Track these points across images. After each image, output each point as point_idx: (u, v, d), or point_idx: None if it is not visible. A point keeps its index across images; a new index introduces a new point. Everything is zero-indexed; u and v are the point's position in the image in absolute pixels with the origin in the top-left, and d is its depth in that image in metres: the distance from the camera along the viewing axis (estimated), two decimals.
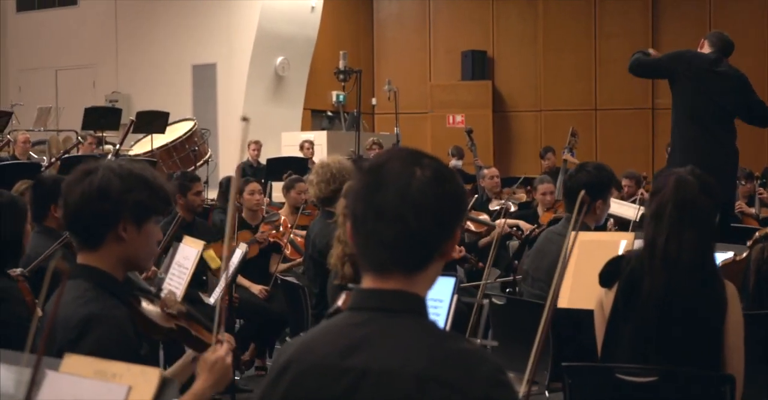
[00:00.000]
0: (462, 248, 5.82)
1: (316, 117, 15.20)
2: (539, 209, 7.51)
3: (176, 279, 4.36)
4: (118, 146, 8.83)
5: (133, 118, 9.83)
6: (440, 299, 2.82)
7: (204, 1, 13.75)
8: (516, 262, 5.64)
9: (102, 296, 2.19)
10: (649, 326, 2.73)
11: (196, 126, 11.50)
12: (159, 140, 11.05)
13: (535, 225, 6.63)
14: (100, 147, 10.64)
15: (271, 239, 6.50)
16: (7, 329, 3.04)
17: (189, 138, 11.28)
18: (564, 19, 15.24)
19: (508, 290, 5.84)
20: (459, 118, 15.09)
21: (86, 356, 1.70)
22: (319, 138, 12.70)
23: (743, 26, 14.25)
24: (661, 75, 6.38)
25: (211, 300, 5.04)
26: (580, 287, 3.46)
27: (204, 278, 5.96)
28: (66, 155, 8.79)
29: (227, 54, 13.76)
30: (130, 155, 10.43)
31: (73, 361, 1.69)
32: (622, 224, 6.07)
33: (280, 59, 13.82)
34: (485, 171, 9.35)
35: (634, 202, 7.10)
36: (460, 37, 15.65)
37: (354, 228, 1.65)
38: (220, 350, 2.26)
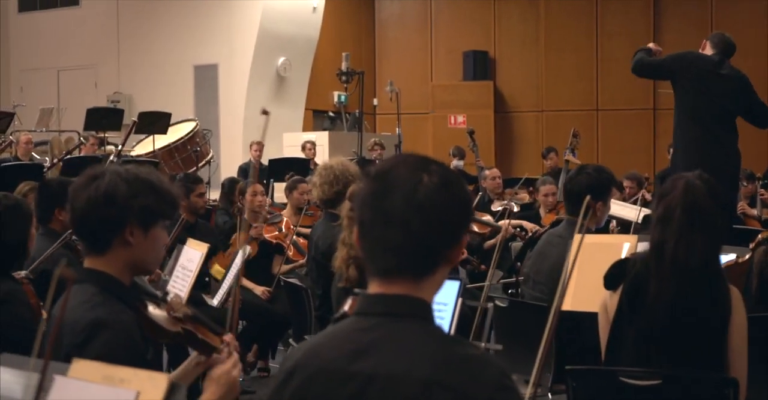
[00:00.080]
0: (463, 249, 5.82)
1: (317, 117, 15.20)
2: (541, 210, 7.51)
3: (180, 282, 4.37)
4: (120, 147, 8.85)
5: (135, 118, 9.85)
6: (445, 302, 2.83)
7: (205, 2, 13.76)
8: (519, 263, 5.65)
9: (109, 300, 2.20)
10: (654, 329, 2.74)
11: (197, 127, 11.51)
12: (161, 141, 11.06)
13: (539, 226, 6.64)
14: (102, 148, 10.65)
15: (274, 241, 6.51)
16: (11, 331, 3.05)
17: (191, 139, 11.29)
18: (565, 19, 15.24)
19: (510, 291, 5.85)
20: (460, 118, 15.10)
21: (94, 361, 1.71)
22: (321, 139, 12.70)
23: (744, 26, 14.25)
24: (663, 76, 6.39)
25: (215, 302, 5.04)
26: (582, 289, 3.46)
27: (206, 279, 5.98)
28: (68, 156, 8.80)
29: (229, 54, 13.77)
30: (132, 156, 10.44)
31: (80, 366, 1.70)
32: (623, 226, 6.08)
33: (281, 60, 13.82)
34: (487, 172, 9.35)
35: (635, 203, 7.09)
36: (461, 37, 15.65)
37: (361, 233, 1.66)
38: (228, 363, 2.27)
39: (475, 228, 6.87)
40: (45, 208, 4.10)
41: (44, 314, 3.44)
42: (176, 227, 5.24)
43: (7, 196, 3.37)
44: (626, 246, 3.62)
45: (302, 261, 6.43)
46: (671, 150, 9.20)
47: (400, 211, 1.60)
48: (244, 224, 6.17)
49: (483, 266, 6.35)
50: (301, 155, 11.48)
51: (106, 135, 10.95)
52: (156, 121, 10.90)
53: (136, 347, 2.19)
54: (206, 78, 13.98)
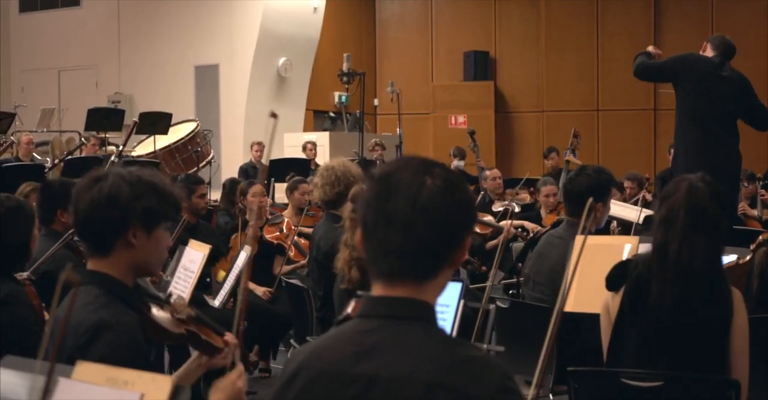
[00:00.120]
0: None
1: (318, 118, 15.21)
2: (542, 211, 7.52)
3: (182, 283, 4.37)
4: (121, 147, 8.86)
5: (136, 119, 9.85)
6: (447, 304, 2.84)
7: (206, 2, 13.77)
8: (520, 264, 5.65)
9: (112, 302, 2.21)
10: (656, 330, 2.75)
11: (198, 127, 11.51)
12: (162, 141, 11.06)
13: (540, 227, 6.65)
14: (103, 148, 10.66)
15: (275, 241, 6.51)
16: (13, 332, 3.06)
17: (192, 139, 11.29)
18: (566, 19, 15.24)
19: (511, 291, 5.85)
20: (461, 118, 15.11)
21: (98, 364, 1.71)
22: (322, 139, 12.71)
23: (745, 26, 14.27)
24: (665, 78, 6.40)
25: (216, 303, 5.05)
26: (583, 290, 3.47)
27: (207, 280, 5.98)
28: (69, 157, 8.80)
29: (229, 55, 13.77)
30: (133, 156, 10.44)
31: (84, 368, 1.70)
32: (624, 226, 6.08)
33: (282, 60, 13.83)
34: (487, 172, 9.35)
35: (635, 203, 7.10)
36: (462, 37, 15.66)
37: (364, 236, 1.67)
38: (233, 373, 2.28)
39: (477, 229, 6.88)
40: (47, 209, 4.12)
41: (46, 316, 3.45)
42: (178, 228, 5.25)
43: (10, 197, 3.38)
44: (627, 247, 3.63)
45: (303, 262, 6.44)
46: (672, 151, 9.21)
47: (403, 214, 1.61)
48: (245, 225, 6.19)
49: (484, 268, 6.36)
50: (302, 156, 11.49)
51: (107, 135, 10.96)
52: (157, 122, 10.90)
53: (140, 348, 2.20)
54: (207, 78, 13.99)
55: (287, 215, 7.00)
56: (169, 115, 11.11)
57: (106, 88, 14.81)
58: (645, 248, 3.30)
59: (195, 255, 4.43)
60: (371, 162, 10.74)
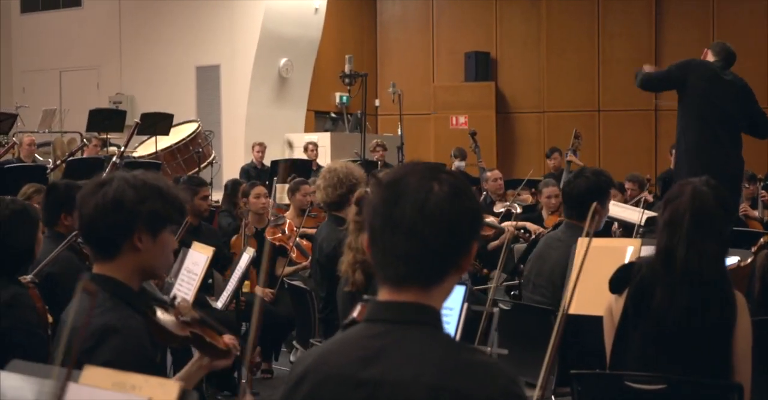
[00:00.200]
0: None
1: (319, 118, 15.22)
2: (544, 212, 7.52)
3: (185, 285, 4.38)
4: (123, 148, 8.86)
5: (137, 119, 9.86)
6: (450, 307, 2.84)
7: (207, 3, 13.78)
8: (522, 266, 5.66)
9: (118, 306, 2.22)
10: (660, 333, 2.76)
11: (200, 128, 11.52)
12: (163, 142, 11.06)
13: (542, 228, 6.65)
14: (105, 149, 10.66)
15: (277, 243, 6.53)
16: (18, 335, 3.06)
17: (193, 140, 11.30)
18: (567, 19, 15.24)
19: (513, 293, 5.86)
20: (462, 119, 15.12)
21: (105, 368, 1.72)
22: (323, 139, 12.73)
23: (745, 26, 14.29)
24: (671, 85, 6.41)
25: (219, 304, 5.06)
26: (585, 292, 3.48)
27: (210, 281, 5.99)
28: (71, 158, 8.81)
29: (231, 55, 13.78)
30: (134, 157, 10.45)
31: (92, 373, 1.71)
32: (625, 228, 6.08)
33: (283, 61, 13.84)
34: (488, 174, 9.36)
35: (636, 204, 7.10)
36: (463, 38, 15.67)
37: (371, 241, 1.68)
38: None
39: None
40: (51, 211, 4.13)
41: (50, 318, 3.46)
42: (180, 230, 5.26)
43: (14, 200, 3.38)
44: (630, 250, 3.64)
45: (305, 263, 6.45)
46: (673, 151, 9.22)
47: (411, 219, 1.62)
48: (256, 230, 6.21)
49: (485, 270, 6.37)
50: (303, 156, 11.50)
51: (109, 136, 10.97)
52: (158, 123, 10.90)
53: (146, 352, 2.21)
54: (208, 79, 14.00)
55: (289, 216, 7.01)
56: (170, 116, 11.12)
57: (107, 88, 14.82)
58: (648, 250, 3.31)
59: (198, 257, 4.44)
60: (373, 163, 10.75)
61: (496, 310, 3.00)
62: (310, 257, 6.23)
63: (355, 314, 1.80)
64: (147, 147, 11.28)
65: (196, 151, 11.13)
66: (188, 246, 4.66)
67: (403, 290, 1.66)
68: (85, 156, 9.64)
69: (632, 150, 14.58)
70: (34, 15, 15.61)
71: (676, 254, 2.76)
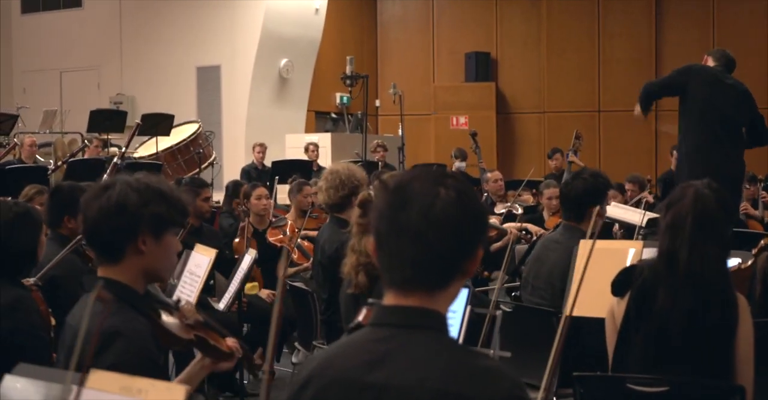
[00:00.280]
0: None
1: (319, 119, 15.23)
2: (545, 213, 7.53)
3: (188, 287, 4.39)
4: (124, 149, 8.87)
5: (138, 120, 9.86)
6: (453, 309, 2.85)
7: (208, 3, 13.78)
8: (522, 267, 5.66)
9: (123, 309, 2.22)
10: (662, 336, 2.77)
11: (200, 128, 11.51)
12: (164, 143, 11.06)
13: (543, 229, 6.66)
14: (106, 150, 10.67)
15: (278, 244, 6.54)
16: (21, 337, 3.07)
17: (194, 140, 11.29)
18: (567, 19, 15.25)
19: (513, 293, 5.87)
20: (462, 119, 15.12)
21: (111, 372, 1.73)
22: (324, 140, 12.73)
23: (745, 26, 14.30)
24: (674, 91, 6.43)
25: (221, 305, 5.06)
26: (586, 294, 3.49)
27: (211, 282, 6.00)
28: (72, 159, 8.81)
29: (231, 56, 13.79)
30: (135, 158, 10.45)
31: (98, 377, 1.71)
32: (627, 229, 6.09)
33: (284, 61, 13.84)
34: (488, 175, 9.36)
35: (637, 204, 7.11)
36: (463, 38, 15.67)
37: (377, 245, 1.69)
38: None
39: None
40: (55, 213, 4.14)
41: (53, 321, 3.47)
42: (182, 232, 5.26)
43: (17, 203, 3.39)
44: (632, 252, 3.65)
45: (307, 264, 6.46)
46: (674, 152, 9.23)
47: (417, 224, 1.63)
48: (255, 230, 6.22)
49: (486, 273, 6.37)
50: (304, 157, 11.50)
51: (109, 137, 10.97)
52: (159, 123, 10.90)
53: (151, 355, 2.22)
54: (209, 79, 14.00)
55: (290, 218, 7.02)
56: (171, 117, 11.11)
57: (107, 89, 14.83)
58: (650, 252, 3.32)
59: (201, 259, 4.45)
60: (373, 163, 10.75)
61: (499, 313, 3.01)
62: (311, 258, 6.24)
63: (360, 317, 1.81)
64: (148, 148, 11.28)
65: (197, 151, 11.12)
66: (190, 247, 4.67)
67: (409, 295, 1.67)
68: (86, 157, 9.63)
69: (632, 150, 14.58)
70: (34, 15, 15.61)
71: (679, 257, 2.77)
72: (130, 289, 2.30)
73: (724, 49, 6.58)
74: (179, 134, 11.33)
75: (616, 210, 6.00)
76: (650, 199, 7.80)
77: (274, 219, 6.86)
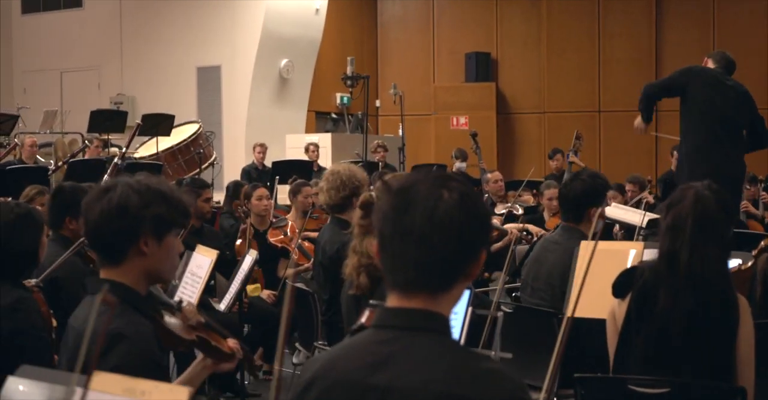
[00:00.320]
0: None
1: (320, 119, 15.23)
2: (545, 214, 7.53)
3: (189, 288, 4.40)
4: (124, 149, 8.87)
5: (138, 120, 9.86)
6: (455, 311, 2.85)
7: (208, 3, 13.79)
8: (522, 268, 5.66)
9: (126, 311, 2.23)
10: (663, 337, 2.77)
11: (201, 129, 11.52)
12: (164, 143, 11.07)
13: (543, 230, 6.66)
14: (106, 150, 10.67)
15: (279, 245, 6.54)
16: (23, 338, 3.08)
17: (194, 141, 11.29)
18: (567, 19, 15.25)
19: (514, 294, 5.87)
20: (462, 119, 15.13)
21: (115, 374, 1.73)
22: (324, 140, 12.73)
23: (746, 26, 14.31)
24: (674, 92, 6.43)
25: (222, 306, 5.07)
26: (587, 295, 3.49)
27: (212, 282, 6.00)
28: (72, 159, 8.81)
29: (231, 56, 13.79)
30: (135, 158, 10.46)
31: (102, 378, 1.72)
32: (627, 230, 6.09)
33: (284, 61, 13.85)
34: (488, 175, 9.36)
35: (637, 204, 7.11)
36: (463, 38, 15.67)
37: (381, 247, 1.70)
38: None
39: None
40: (57, 214, 4.15)
41: (54, 322, 3.47)
42: (183, 233, 5.27)
43: (19, 204, 3.40)
44: (632, 253, 3.65)
45: (308, 265, 6.47)
46: (674, 153, 9.24)
47: (420, 227, 1.64)
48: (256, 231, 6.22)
49: (486, 274, 6.37)
50: (304, 157, 11.51)
51: (110, 137, 10.97)
52: (160, 124, 10.91)
53: (154, 357, 2.22)
54: (209, 80, 14.00)
55: (291, 218, 7.02)
56: (171, 117, 11.12)
57: (108, 89, 14.83)
58: (650, 254, 3.32)
59: (202, 260, 4.45)
60: (374, 164, 10.76)
61: (500, 314, 3.01)
62: (312, 259, 6.25)
63: (363, 319, 1.81)
64: (148, 148, 11.28)
65: (197, 152, 11.13)
66: (191, 248, 4.67)
67: (412, 297, 1.68)
68: (86, 157, 9.63)
69: (633, 151, 14.57)
70: (35, 16, 15.61)
71: (679, 258, 2.78)
72: (133, 291, 2.30)
73: (723, 51, 6.59)
74: (180, 134, 11.34)
75: (616, 211, 6.01)
76: (650, 199, 7.80)
77: (274, 220, 6.87)
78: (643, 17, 15.02)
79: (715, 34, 14.56)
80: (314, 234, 6.43)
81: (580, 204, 4.29)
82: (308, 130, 14.34)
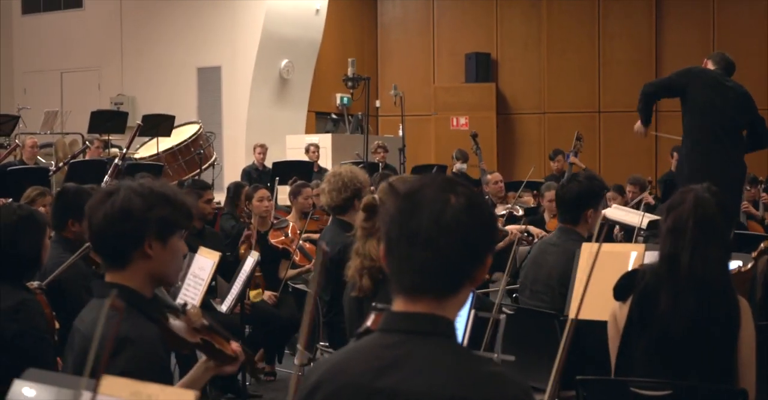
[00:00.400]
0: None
1: (320, 119, 15.24)
2: (546, 215, 7.54)
3: (192, 290, 4.40)
4: (125, 150, 8.88)
5: (139, 121, 9.88)
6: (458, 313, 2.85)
7: (209, 4, 13.79)
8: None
9: (132, 315, 2.23)
10: (665, 340, 2.78)
11: (201, 129, 11.53)
12: (164, 143, 11.07)
13: (544, 231, 6.67)
14: (107, 150, 10.68)
15: (280, 246, 6.55)
16: (27, 341, 3.09)
17: (194, 141, 11.30)
18: (567, 20, 15.26)
19: (514, 295, 5.88)
20: (463, 120, 15.14)
21: (121, 378, 1.74)
22: (324, 141, 12.74)
23: (746, 27, 14.32)
24: (674, 92, 6.45)
25: (223, 308, 5.08)
26: (588, 297, 3.50)
27: (213, 283, 6.01)
28: (73, 160, 8.83)
29: (232, 57, 13.80)
30: (136, 159, 10.47)
31: (109, 382, 1.73)
32: (627, 231, 6.10)
33: (284, 62, 13.85)
34: (489, 176, 9.37)
35: (637, 205, 7.12)
36: (463, 39, 15.68)
37: (387, 251, 1.71)
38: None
39: None
40: (60, 216, 4.16)
41: (57, 325, 3.48)
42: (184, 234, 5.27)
43: (22, 207, 3.41)
44: (634, 255, 3.66)
45: (309, 266, 6.48)
46: (674, 154, 9.25)
47: (427, 231, 1.65)
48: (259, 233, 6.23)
49: (487, 276, 6.35)
50: (305, 158, 11.52)
51: (110, 138, 10.98)
52: (160, 124, 10.92)
53: (160, 361, 2.23)
54: (209, 80, 14.01)
55: (291, 219, 7.03)
56: (172, 118, 11.13)
57: (108, 89, 14.84)
58: (651, 256, 3.34)
59: (204, 262, 4.46)
60: (374, 164, 10.77)
61: (503, 317, 3.02)
62: (313, 260, 6.26)
63: (368, 322, 1.82)
64: (149, 149, 11.29)
65: (198, 152, 11.13)
66: (193, 250, 4.68)
67: (418, 301, 1.69)
68: (87, 158, 9.64)
69: (633, 151, 14.59)
70: (35, 16, 15.62)
71: (680, 260, 2.79)
72: (139, 294, 2.31)
73: (723, 52, 6.61)
74: (180, 135, 11.34)
75: (617, 212, 6.02)
76: (650, 200, 7.81)
77: (275, 221, 6.87)
78: (643, 18, 15.03)
79: (715, 35, 14.57)
80: (315, 235, 6.44)
81: (577, 206, 4.30)
82: (308, 131, 14.35)
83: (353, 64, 10.85)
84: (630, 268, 3.41)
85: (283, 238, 6.63)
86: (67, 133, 12.50)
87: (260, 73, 13.62)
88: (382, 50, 16.36)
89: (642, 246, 3.77)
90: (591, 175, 4.50)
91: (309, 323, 1.66)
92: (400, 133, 12.05)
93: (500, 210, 8.17)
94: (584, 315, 3.40)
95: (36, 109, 13.23)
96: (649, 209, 6.22)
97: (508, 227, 6.78)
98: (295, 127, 14.05)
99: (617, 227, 6.26)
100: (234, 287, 5.02)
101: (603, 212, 4.91)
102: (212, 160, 11.58)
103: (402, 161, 11.54)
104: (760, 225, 8.22)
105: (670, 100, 6.71)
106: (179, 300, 4.27)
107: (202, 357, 2.56)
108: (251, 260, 4.91)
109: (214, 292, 5.91)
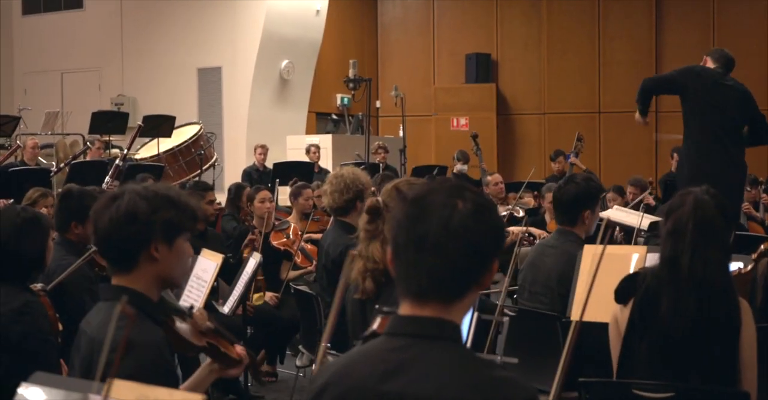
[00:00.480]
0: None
1: (320, 120, 15.24)
2: (546, 216, 7.55)
3: (195, 291, 4.41)
4: (126, 151, 8.89)
5: (140, 122, 9.89)
6: None
7: (209, 4, 13.80)
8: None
9: (139, 318, 2.25)
10: (667, 342, 2.79)
11: (201, 130, 11.54)
12: (165, 144, 11.09)
13: (545, 232, 6.67)
14: (107, 151, 10.68)
15: (282, 247, 6.56)
16: (30, 342, 3.09)
17: (195, 142, 11.32)
18: (567, 21, 15.27)
19: (515, 296, 5.88)
20: (463, 121, 15.14)
21: (128, 381, 1.75)
22: (324, 141, 12.75)
23: (746, 28, 14.33)
24: (673, 89, 6.47)
25: (225, 309, 5.08)
26: (590, 299, 3.50)
27: (215, 284, 6.02)
28: (74, 161, 8.83)
29: (232, 57, 13.80)
30: (136, 160, 10.48)
31: (115, 386, 1.74)
32: (627, 232, 6.11)
33: (285, 62, 13.86)
34: (489, 177, 9.37)
35: (637, 205, 7.12)
36: (464, 39, 15.69)
37: (395, 255, 1.72)
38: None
39: None
40: (63, 218, 4.17)
41: (60, 327, 3.49)
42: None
43: (25, 209, 3.42)
44: (635, 257, 3.67)
45: (310, 267, 6.49)
46: (674, 154, 9.26)
47: (435, 236, 1.66)
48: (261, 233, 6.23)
49: None
50: (305, 159, 11.52)
51: (111, 138, 10.99)
52: (161, 125, 10.93)
53: (167, 364, 2.24)
54: (210, 81, 14.01)
55: (292, 221, 7.04)
56: (172, 118, 11.14)
57: (109, 90, 14.84)
58: (653, 258, 3.34)
59: (207, 264, 4.47)
60: (375, 165, 10.78)
61: (506, 319, 3.03)
62: (314, 261, 6.27)
63: (375, 326, 1.83)
64: (149, 149, 11.30)
65: (198, 153, 11.15)
66: (196, 252, 4.69)
67: (425, 305, 1.70)
68: (88, 159, 9.65)
69: (633, 152, 14.60)
70: (35, 16, 15.62)
71: (681, 262, 2.80)
72: (145, 297, 2.32)
73: (722, 49, 6.60)
74: (180, 136, 11.36)
75: (616, 213, 6.03)
76: (651, 201, 7.81)
77: (277, 222, 6.88)
78: (643, 19, 15.04)
79: (715, 35, 14.58)
80: (317, 236, 6.45)
81: (575, 207, 4.31)
82: (309, 132, 14.36)
83: (354, 66, 10.86)
84: (632, 270, 3.42)
85: (285, 239, 6.64)
86: (68, 134, 12.50)
87: (261, 73, 13.63)
88: (383, 51, 16.36)
89: (644, 248, 3.77)
90: (588, 177, 4.53)
91: (333, 322, 1.68)
92: (401, 133, 12.06)
93: (501, 211, 8.18)
94: (586, 317, 3.42)
95: (37, 109, 13.23)
96: (649, 210, 6.22)
97: (509, 229, 6.78)
98: (295, 127, 14.06)
99: (617, 228, 6.26)
100: (236, 288, 5.02)
101: (603, 214, 4.93)
102: (213, 160, 11.60)
103: (402, 162, 11.55)
104: (760, 226, 8.22)
105: (670, 100, 6.73)
106: (183, 302, 4.28)
107: (206, 359, 2.57)
108: (253, 261, 4.92)
109: (215, 293, 5.92)
